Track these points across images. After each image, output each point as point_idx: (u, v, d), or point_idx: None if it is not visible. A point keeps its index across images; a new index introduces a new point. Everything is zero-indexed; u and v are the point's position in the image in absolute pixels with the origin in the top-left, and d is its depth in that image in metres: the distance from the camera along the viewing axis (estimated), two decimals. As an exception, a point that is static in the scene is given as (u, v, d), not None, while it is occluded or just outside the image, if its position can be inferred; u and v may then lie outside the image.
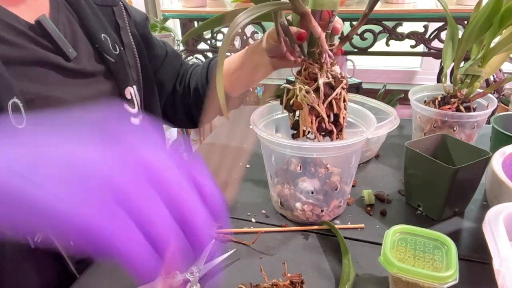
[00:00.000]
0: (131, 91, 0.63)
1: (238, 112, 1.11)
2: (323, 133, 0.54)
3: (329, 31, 0.52)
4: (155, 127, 0.72)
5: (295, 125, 0.56)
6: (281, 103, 0.57)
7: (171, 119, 0.78)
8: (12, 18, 0.50)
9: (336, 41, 0.56)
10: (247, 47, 0.66)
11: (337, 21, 0.52)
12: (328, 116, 0.52)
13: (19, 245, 0.49)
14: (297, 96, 0.53)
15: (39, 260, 0.52)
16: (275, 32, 0.55)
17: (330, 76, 0.52)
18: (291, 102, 0.54)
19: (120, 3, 0.66)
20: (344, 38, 0.53)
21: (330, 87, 0.52)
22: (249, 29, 1.63)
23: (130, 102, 0.63)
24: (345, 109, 0.54)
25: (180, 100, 0.75)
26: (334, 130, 0.53)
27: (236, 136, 0.94)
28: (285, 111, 0.58)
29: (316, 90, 0.51)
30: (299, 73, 0.54)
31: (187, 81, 0.74)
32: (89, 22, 0.59)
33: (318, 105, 0.51)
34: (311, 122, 0.52)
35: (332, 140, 0.54)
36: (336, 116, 0.53)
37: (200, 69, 0.73)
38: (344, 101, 0.53)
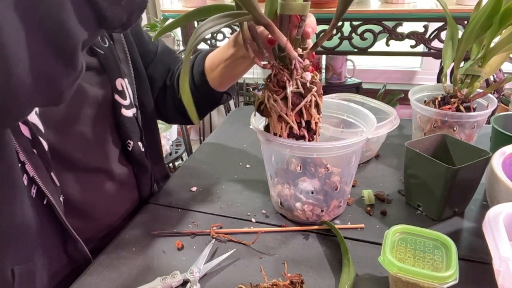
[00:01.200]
0: (122, 83, 0.63)
1: (238, 112, 1.11)
2: (295, 138, 0.53)
3: (299, 36, 0.50)
4: (149, 120, 0.72)
5: (267, 128, 0.56)
6: (254, 106, 0.56)
7: (164, 115, 0.78)
8: None
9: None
10: (228, 40, 0.64)
11: (308, 25, 0.50)
12: (299, 123, 0.52)
13: (26, 225, 0.50)
14: (265, 104, 0.52)
15: (45, 229, 0.54)
16: (247, 32, 0.53)
17: (299, 84, 0.51)
18: (261, 108, 0.53)
19: None
20: (314, 46, 0.52)
21: (300, 95, 0.51)
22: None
23: (122, 93, 0.63)
24: (319, 113, 0.53)
25: (170, 95, 0.75)
26: (306, 135, 0.53)
27: (236, 136, 0.94)
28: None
29: (285, 98, 0.51)
30: (269, 78, 0.53)
31: (176, 77, 0.74)
32: None
33: (286, 113, 0.51)
34: (281, 129, 0.52)
35: None
36: (308, 122, 0.52)
37: None
38: (317, 106, 0.52)
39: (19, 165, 0.48)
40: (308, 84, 0.51)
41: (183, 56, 1.70)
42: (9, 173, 0.47)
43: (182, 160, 1.82)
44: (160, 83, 0.75)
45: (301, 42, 0.51)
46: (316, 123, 0.53)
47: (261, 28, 0.52)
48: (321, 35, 0.52)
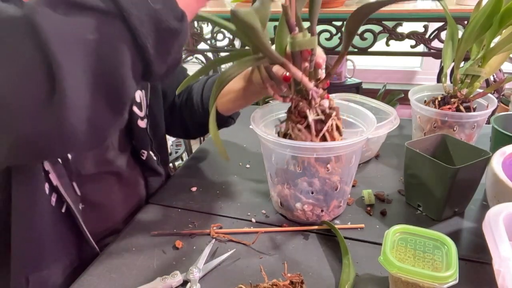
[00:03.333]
0: (140, 94, 0.65)
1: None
2: None
3: (312, 70, 0.54)
4: (158, 129, 0.74)
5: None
6: (278, 136, 0.59)
7: (167, 127, 0.81)
8: None
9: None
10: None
11: (319, 56, 0.54)
12: None
13: (43, 219, 0.51)
14: (290, 134, 0.55)
15: (63, 236, 0.55)
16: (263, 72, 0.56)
17: (319, 112, 0.54)
18: (287, 138, 0.56)
19: None
20: (327, 75, 0.55)
21: (321, 121, 0.54)
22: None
23: (138, 105, 0.65)
24: (340, 134, 0.56)
25: (177, 112, 0.78)
26: (336, 158, 0.56)
27: (236, 136, 0.94)
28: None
29: (308, 127, 0.54)
30: (289, 110, 0.56)
31: (185, 96, 0.77)
32: None
33: (311, 140, 0.54)
34: None
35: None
36: None
37: (197, 86, 0.75)
38: (338, 129, 0.56)
39: (43, 174, 0.49)
40: (327, 110, 0.55)
41: (183, 56, 1.70)
42: (32, 182, 0.48)
43: (182, 160, 1.82)
44: (170, 99, 0.77)
45: (314, 72, 0.55)
46: None
47: (275, 67, 0.56)
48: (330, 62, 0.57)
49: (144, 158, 0.69)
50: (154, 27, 0.35)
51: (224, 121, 0.75)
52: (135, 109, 0.64)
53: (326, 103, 0.55)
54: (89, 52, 0.32)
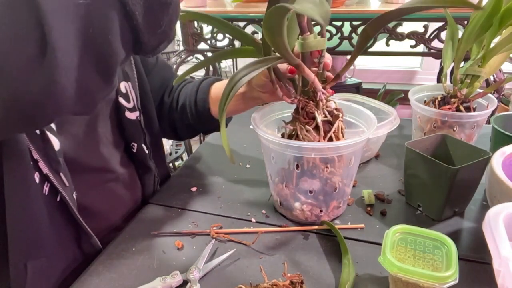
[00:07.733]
0: (126, 86, 0.65)
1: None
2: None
3: (320, 71, 0.55)
4: (151, 123, 0.73)
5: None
6: (283, 137, 0.59)
7: None
8: None
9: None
10: None
11: (327, 57, 0.54)
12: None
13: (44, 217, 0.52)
14: (297, 134, 0.56)
15: (60, 226, 0.55)
16: (266, 70, 0.56)
17: (326, 113, 0.55)
18: (293, 139, 0.56)
19: None
20: (336, 76, 0.56)
21: (328, 122, 0.55)
22: (249, 29, 1.63)
23: (125, 96, 0.64)
24: (343, 136, 0.57)
25: (166, 112, 0.77)
26: (336, 158, 0.56)
27: (236, 136, 0.94)
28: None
29: (316, 128, 0.55)
30: (296, 111, 0.56)
31: (176, 96, 0.76)
32: None
33: (319, 141, 0.54)
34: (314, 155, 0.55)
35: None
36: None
37: (190, 87, 0.75)
38: (342, 130, 0.56)
39: (31, 162, 0.49)
40: (334, 111, 0.56)
41: (183, 56, 1.70)
42: (22, 170, 0.48)
43: (182, 160, 1.83)
44: (157, 97, 0.76)
45: (322, 73, 0.55)
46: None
47: (281, 65, 0.56)
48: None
49: (134, 150, 0.68)
50: None
51: (217, 125, 0.74)
52: (121, 100, 0.63)
53: (332, 104, 0.56)
54: (80, 17, 0.34)
